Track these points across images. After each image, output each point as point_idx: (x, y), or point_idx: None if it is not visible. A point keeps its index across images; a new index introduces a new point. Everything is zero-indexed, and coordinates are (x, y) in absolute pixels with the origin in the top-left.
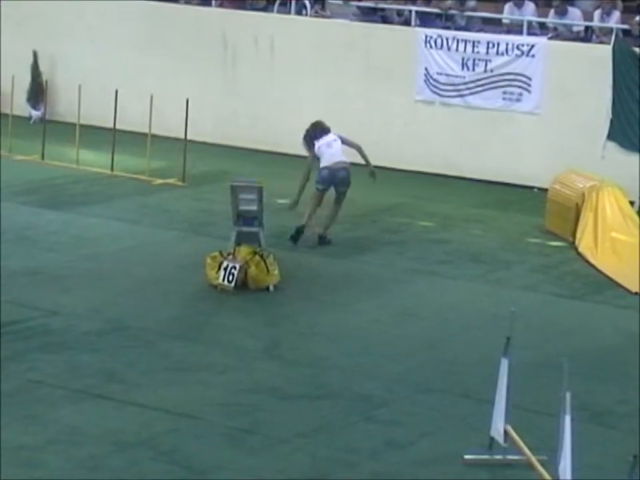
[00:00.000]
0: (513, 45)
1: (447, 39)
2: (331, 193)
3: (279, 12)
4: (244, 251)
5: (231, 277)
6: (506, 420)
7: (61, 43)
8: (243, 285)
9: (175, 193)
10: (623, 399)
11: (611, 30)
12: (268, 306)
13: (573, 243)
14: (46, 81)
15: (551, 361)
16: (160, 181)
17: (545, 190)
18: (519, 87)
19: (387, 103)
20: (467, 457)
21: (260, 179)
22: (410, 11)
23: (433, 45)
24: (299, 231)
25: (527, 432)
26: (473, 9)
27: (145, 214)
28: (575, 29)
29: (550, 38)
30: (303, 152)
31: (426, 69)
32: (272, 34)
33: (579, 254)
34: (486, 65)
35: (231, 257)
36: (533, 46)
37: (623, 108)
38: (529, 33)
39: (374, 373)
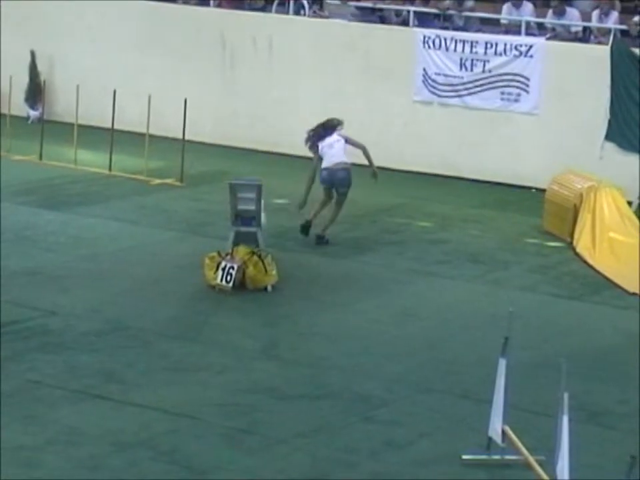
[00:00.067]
0: (511, 45)
1: (445, 39)
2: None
3: (277, 12)
4: (242, 251)
5: (229, 277)
6: (504, 420)
7: (59, 43)
8: (241, 285)
9: (173, 193)
10: (622, 399)
11: (609, 30)
12: (266, 306)
13: (571, 243)
14: (44, 81)
15: (549, 361)
16: (158, 181)
17: (543, 190)
18: (517, 87)
19: (386, 104)
20: (465, 457)
21: (258, 177)
22: (408, 11)
23: (431, 45)
24: (305, 227)
25: (524, 432)
26: (471, 9)
27: (143, 214)
28: (573, 29)
29: (548, 38)
30: (302, 152)
31: (424, 69)
32: (270, 34)
33: (577, 254)
34: (484, 66)
35: (229, 257)
36: (531, 46)
37: (621, 108)
38: (527, 34)
39: (373, 373)
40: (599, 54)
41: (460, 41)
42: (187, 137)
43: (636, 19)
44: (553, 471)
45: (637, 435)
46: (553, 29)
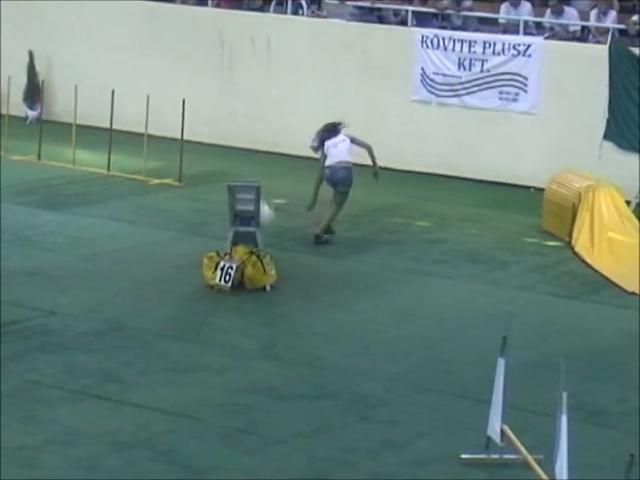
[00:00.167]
0: (509, 44)
1: (444, 39)
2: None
3: (275, 12)
4: (240, 251)
5: (227, 277)
6: (503, 419)
7: (58, 43)
8: (239, 285)
9: (171, 193)
10: (620, 398)
11: (607, 30)
12: (265, 306)
13: (570, 242)
14: (42, 81)
15: (547, 361)
16: (156, 181)
17: (542, 190)
18: (516, 86)
19: (384, 103)
20: (463, 456)
21: (257, 179)
22: (406, 11)
23: (430, 44)
24: (327, 231)
25: (523, 431)
26: (469, 9)
27: (142, 214)
28: (572, 28)
29: (546, 38)
30: (301, 152)
31: (422, 68)
32: (268, 34)
33: (576, 254)
34: (482, 65)
35: (227, 257)
36: (529, 46)
37: (619, 108)
38: (526, 33)
39: (372, 372)
40: (597, 53)
41: (458, 40)
42: (185, 137)
43: (634, 18)
44: (551, 470)
45: (636, 434)
46: (551, 29)
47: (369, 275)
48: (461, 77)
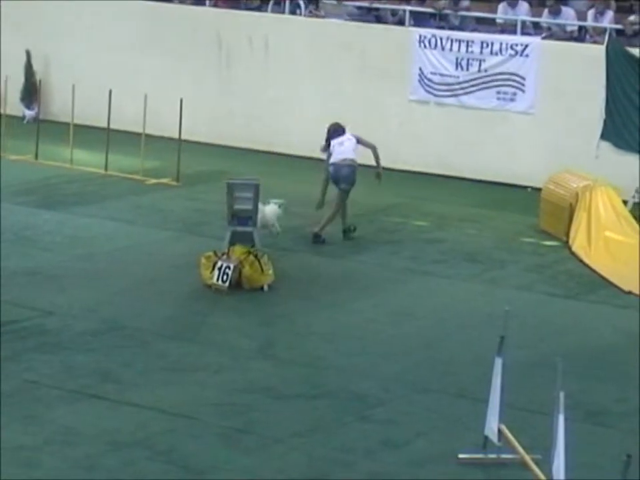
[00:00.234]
0: (506, 44)
1: (441, 39)
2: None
3: (273, 12)
4: (238, 250)
5: (225, 277)
6: (500, 419)
7: (57, 43)
8: (237, 284)
9: (169, 192)
10: (618, 397)
11: (604, 30)
12: (262, 306)
13: (567, 242)
14: (39, 81)
15: (545, 360)
16: (154, 181)
17: (539, 189)
18: (513, 86)
19: (382, 103)
20: (461, 456)
21: (255, 177)
22: (404, 11)
23: (427, 44)
24: (348, 230)
25: (521, 431)
26: (467, 9)
27: (139, 214)
28: (569, 28)
29: (544, 38)
30: (298, 151)
31: (420, 68)
32: (266, 34)
33: (573, 253)
34: (480, 65)
35: (225, 256)
36: (526, 46)
37: (616, 108)
38: (523, 33)
39: (370, 372)
40: (595, 53)
41: (456, 40)
42: (183, 137)
43: (631, 18)
44: (549, 469)
45: (636, 434)
46: (549, 29)
47: (367, 274)
48: (458, 77)
